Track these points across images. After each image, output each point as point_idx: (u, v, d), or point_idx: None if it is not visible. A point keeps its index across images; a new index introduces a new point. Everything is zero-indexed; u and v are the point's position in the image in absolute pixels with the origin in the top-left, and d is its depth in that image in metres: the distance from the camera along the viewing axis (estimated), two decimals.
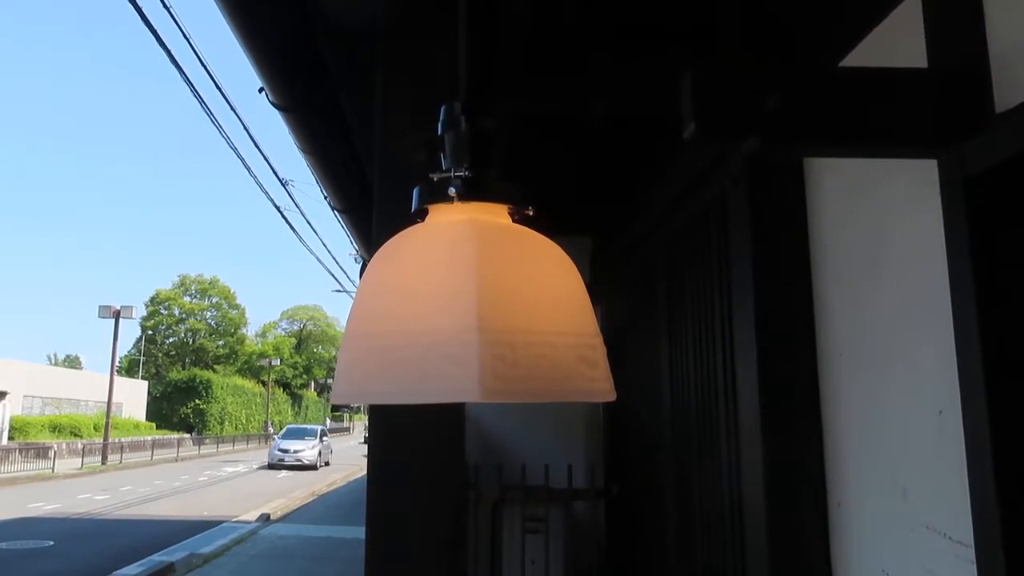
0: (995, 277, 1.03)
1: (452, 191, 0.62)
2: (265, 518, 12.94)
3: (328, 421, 60.58)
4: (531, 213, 0.64)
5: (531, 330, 0.56)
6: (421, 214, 0.64)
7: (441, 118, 0.65)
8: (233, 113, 8.07)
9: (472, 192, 0.62)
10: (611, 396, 0.60)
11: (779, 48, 1.12)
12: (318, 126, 2.07)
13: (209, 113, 8.40)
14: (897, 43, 1.35)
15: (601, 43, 1.78)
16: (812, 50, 1.47)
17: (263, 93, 1.89)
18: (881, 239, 1.49)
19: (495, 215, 0.64)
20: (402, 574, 1.47)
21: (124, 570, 8.44)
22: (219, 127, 8.73)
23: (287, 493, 16.62)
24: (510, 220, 0.64)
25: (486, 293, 0.55)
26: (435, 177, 0.63)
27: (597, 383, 0.59)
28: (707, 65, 1.13)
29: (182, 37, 6.73)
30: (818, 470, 1.70)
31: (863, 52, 1.44)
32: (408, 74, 1.67)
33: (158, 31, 6.13)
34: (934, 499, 1.31)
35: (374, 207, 1.51)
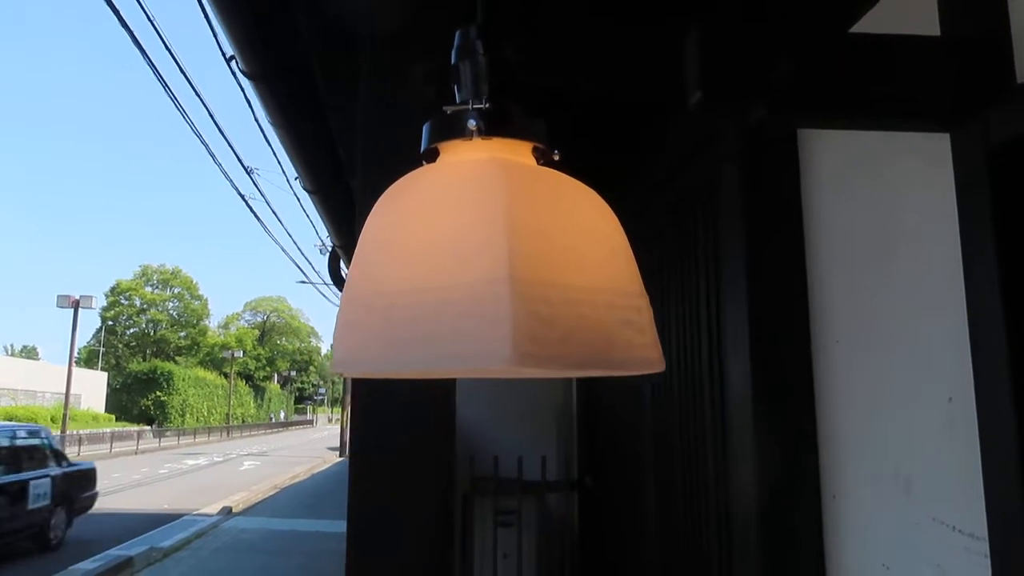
0: (1022, 252, 0.98)
1: (472, 124, 0.54)
2: (227, 511, 12.68)
3: (282, 413, 59.82)
4: (557, 157, 0.56)
5: (570, 285, 0.48)
6: (430, 155, 0.55)
7: (456, 43, 0.57)
8: (198, 98, 7.82)
9: (495, 127, 0.54)
10: (659, 366, 0.53)
11: (783, 14, 1.05)
12: (290, 97, 1.96)
13: (173, 98, 8.11)
14: (909, 10, 1.29)
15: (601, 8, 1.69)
16: (819, 18, 1.40)
17: (233, 62, 1.77)
18: (882, 220, 1.45)
19: (520, 155, 0.55)
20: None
21: (80, 565, 8.16)
22: (183, 112, 8.46)
23: (249, 486, 16.33)
24: (535, 162, 0.57)
25: (518, 239, 0.47)
26: (449, 110, 0.55)
27: (643, 351, 0.52)
28: (714, 23, 1.06)
29: (145, 19, 6.47)
30: (812, 460, 1.66)
31: (872, 20, 1.39)
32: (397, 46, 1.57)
33: (119, 10, 5.89)
34: (941, 491, 1.26)
35: (358, 178, 1.39)
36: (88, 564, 8.17)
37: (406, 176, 0.53)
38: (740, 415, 1.74)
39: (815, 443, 1.65)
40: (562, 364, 0.47)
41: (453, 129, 0.55)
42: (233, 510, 12.94)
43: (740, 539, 1.78)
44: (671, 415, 2.37)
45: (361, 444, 1.45)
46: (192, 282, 57.61)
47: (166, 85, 8.76)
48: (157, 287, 56.58)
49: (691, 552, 2.17)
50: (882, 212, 1.45)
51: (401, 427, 1.45)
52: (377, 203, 0.53)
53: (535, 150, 0.57)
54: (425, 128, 0.55)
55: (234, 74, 2.66)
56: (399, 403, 1.41)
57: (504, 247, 0.46)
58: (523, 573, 3.28)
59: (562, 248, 0.49)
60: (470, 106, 0.55)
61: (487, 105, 0.55)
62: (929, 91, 1.11)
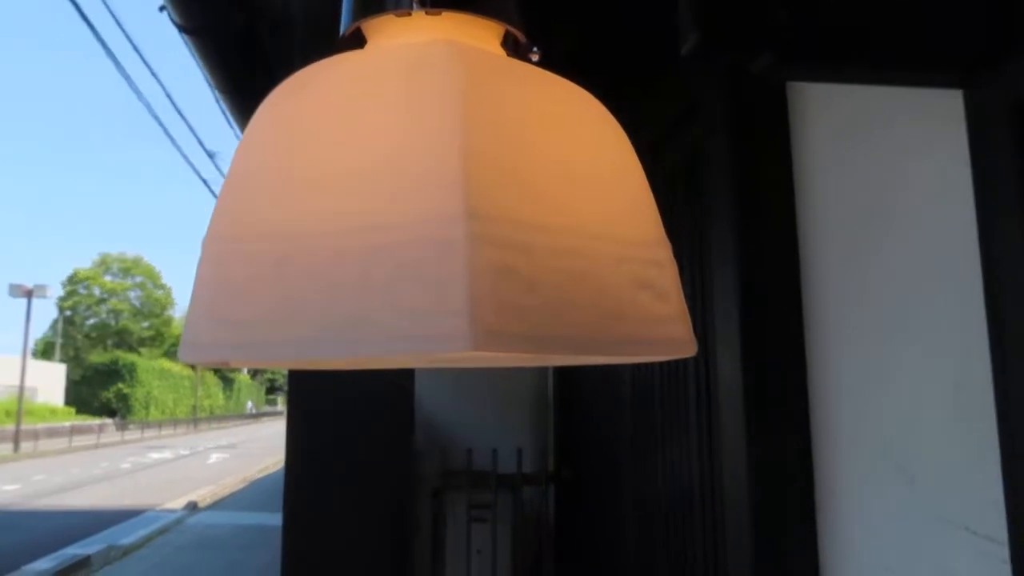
0: None
1: None
2: (192, 506, 12.38)
3: (250, 405, 59.11)
4: (537, 57, 0.39)
5: (559, 227, 0.32)
6: (352, 41, 0.38)
7: None
8: (155, 78, 7.46)
9: None
10: (689, 348, 0.37)
11: None
12: (234, 54, 1.75)
13: (128, 79, 7.74)
14: None
15: None
16: None
17: (164, 12, 1.56)
18: (882, 190, 1.33)
19: (482, 41, 0.39)
20: None
21: (33, 565, 7.85)
22: (138, 92, 8.08)
23: (217, 480, 15.99)
24: (504, 53, 0.40)
25: (480, 158, 0.30)
26: None
27: (667, 326, 0.36)
28: None
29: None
30: (804, 453, 1.54)
31: None
32: None
33: None
34: (950, 488, 1.15)
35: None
36: (42, 564, 7.86)
37: (311, 67, 0.36)
38: (728, 401, 1.63)
39: (808, 434, 1.54)
40: (546, 345, 0.31)
41: (384, 1, 0.38)
42: (199, 504, 12.64)
43: (726, 535, 1.67)
44: (654, 403, 2.24)
45: (295, 444, 1.27)
46: (154, 271, 56.32)
47: (118, 63, 8.37)
48: (117, 276, 55.20)
49: (672, 550, 2.06)
50: (880, 183, 1.33)
51: (347, 422, 1.27)
52: (263, 104, 0.36)
53: (506, 37, 0.40)
54: (344, 1, 0.38)
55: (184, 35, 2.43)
56: (347, 391, 1.23)
57: (457, 168, 0.30)
58: (497, 570, 3.16)
59: (546, 173, 0.33)
60: None
61: None
62: (952, 38, 0.99)
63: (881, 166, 1.31)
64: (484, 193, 0.30)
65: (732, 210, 1.60)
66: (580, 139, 0.36)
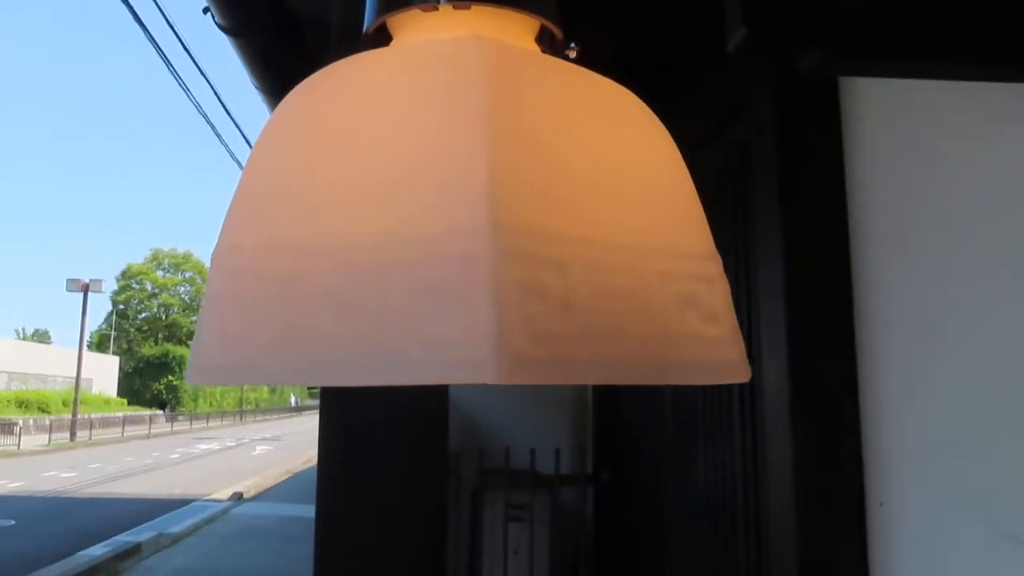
0: None
1: None
2: (238, 496, 12.67)
3: (294, 399, 60.16)
4: (574, 54, 0.37)
5: (597, 240, 0.29)
6: (376, 39, 0.36)
7: None
8: (203, 78, 7.64)
9: None
10: (743, 373, 0.34)
11: None
12: (276, 55, 1.76)
13: (178, 78, 7.94)
14: None
15: None
16: None
17: (208, 14, 1.58)
18: (944, 188, 1.26)
19: (514, 36, 0.36)
20: None
21: (89, 550, 8.14)
22: (187, 90, 8.29)
23: (261, 471, 16.34)
24: (538, 50, 0.37)
25: (508, 166, 0.28)
26: None
27: (716, 349, 0.33)
28: None
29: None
30: (854, 461, 1.48)
31: None
32: None
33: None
34: (1014, 502, 1.09)
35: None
36: (96, 550, 8.14)
37: (329, 67, 0.34)
38: (774, 405, 1.57)
39: (859, 441, 1.48)
40: (582, 374, 0.29)
41: None
42: (244, 495, 12.92)
43: (770, 545, 1.61)
44: (695, 405, 2.19)
45: (329, 447, 1.26)
46: (204, 266, 57.78)
47: (169, 62, 8.58)
48: (168, 271, 56.84)
49: (713, 558, 2.01)
50: (942, 181, 1.27)
51: (380, 423, 1.26)
52: (278, 107, 0.34)
53: (540, 32, 0.37)
54: None
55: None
56: (379, 389, 1.22)
57: (483, 177, 0.27)
58: (535, 570, 3.13)
59: (583, 181, 0.30)
60: None
61: None
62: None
63: (944, 163, 1.24)
64: (513, 204, 0.27)
65: (779, 210, 1.55)
66: (621, 143, 0.33)
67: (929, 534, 1.27)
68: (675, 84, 2.13)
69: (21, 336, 59.09)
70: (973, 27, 0.93)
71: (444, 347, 0.26)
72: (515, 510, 3.18)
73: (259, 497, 13.18)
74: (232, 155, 9.83)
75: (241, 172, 0.33)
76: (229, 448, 23.66)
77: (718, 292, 0.34)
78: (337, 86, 0.33)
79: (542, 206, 0.27)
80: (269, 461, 18.95)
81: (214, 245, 0.32)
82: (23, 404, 28.53)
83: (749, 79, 1.63)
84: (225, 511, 11.32)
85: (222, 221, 0.33)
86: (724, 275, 0.35)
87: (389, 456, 1.29)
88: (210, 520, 10.49)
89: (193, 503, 11.87)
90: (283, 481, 15.49)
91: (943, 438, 1.25)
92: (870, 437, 1.44)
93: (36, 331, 64.85)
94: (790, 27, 0.94)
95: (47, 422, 24.78)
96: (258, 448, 23.39)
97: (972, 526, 1.17)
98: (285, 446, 24.22)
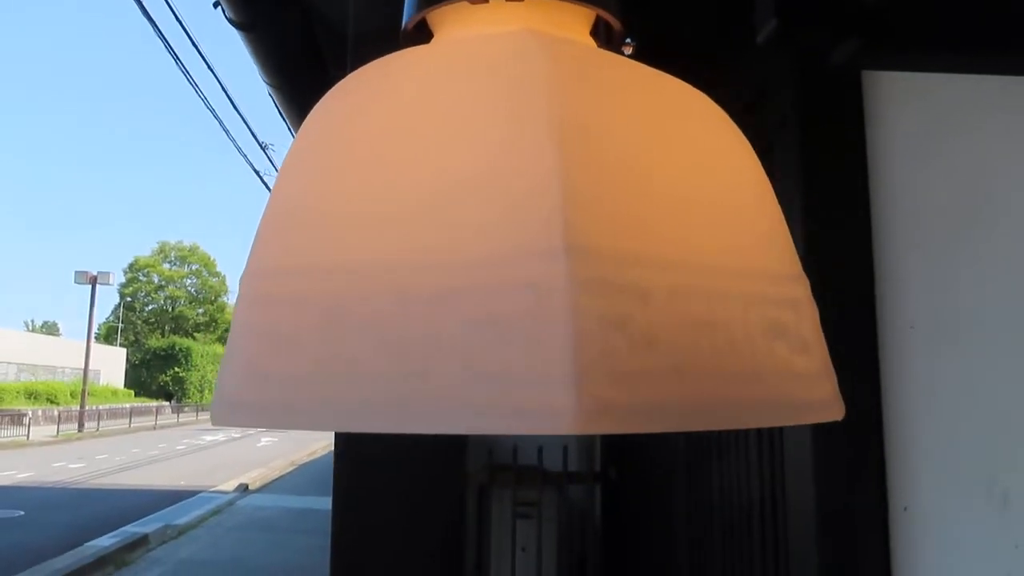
0: None
1: None
2: (243, 488, 12.70)
3: None
4: (631, 50, 0.34)
5: (679, 263, 0.26)
6: (417, 35, 0.33)
7: None
8: (211, 73, 7.61)
9: None
10: (836, 411, 0.31)
11: None
12: (287, 51, 1.73)
13: (185, 72, 7.91)
14: None
15: None
16: None
17: (218, 8, 1.55)
18: (975, 183, 1.22)
19: (569, 30, 0.32)
20: None
21: (96, 541, 8.17)
22: (195, 86, 8.27)
23: (267, 463, 16.39)
24: (594, 45, 0.34)
25: (582, 179, 0.24)
26: None
27: (808, 385, 0.29)
28: None
29: None
30: (876, 463, 1.44)
31: None
32: None
33: None
34: None
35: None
36: (103, 541, 8.18)
37: (370, 65, 0.30)
38: None
39: (881, 443, 1.45)
40: (667, 420, 0.24)
41: None
42: (250, 487, 12.96)
43: (790, 547, 1.58)
44: None
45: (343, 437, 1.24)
46: (210, 259, 57.92)
47: (177, 58, 8.56)
48: (175, 264, 56.98)
49: (729, 559, 1.98)
50: (971, 175, 1.23)
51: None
52: (313, 111, 0.30)
53: (596, 26, 0.34)
54: None
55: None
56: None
57: (555, 191, 0.23)
58: (542, 567, 3.11)
59: (661, 193, 0.26)
60: None
61: None
62: None
63: (975, 158, 1.21)
64: (589, 222, 0.23)
65: (800, 202, 1.51)
66: (700, 151, 0.29)
67: (956, 540, 1.23)
68: (695, 72, 2.09)
69: (30, 328, 59.40)
70: (1010, 18, 0.89)
71: (509, 390, 0.22)
72: (523, 507, 3.16)
73: (264, 489, 13.22)
74: (239, 149, 9.80)
75: (270, 189, 0.30)
76: (235, 440, 23.74)
77: (806, 318, 0.30)
78: (379, 88, 0.29)
79: (621, 224, 0.24)
80: (274, 453, 19.01)
81: (243, 267, 0.29)
82: (32, 395, 28.69)
83: (770, 71, 1.59)
84: (231, 502, 11.36)
85: (250, 241, 0.29)
86: (812, 298, 0.32)
87: (406, 452, 1.27)
88: (216, 511, 10.53)
89: (199, 494, 11.91)
90: (288, 473, 15.52)
91: (969, 440, 1.22)
92: (893, 441, 1.41)
93: (45, 323, 65.18)
94: (823, 18, 0.90)
95: (56, 413, 24.91)
96: (263, 440, 23.46)
97: (999, 531, 1.14)
98: (289, 437, 24.28)
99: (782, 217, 0.33)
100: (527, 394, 0.22)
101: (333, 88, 0.31)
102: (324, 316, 0.25)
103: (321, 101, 0.31)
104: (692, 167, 0.28)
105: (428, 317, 0.23)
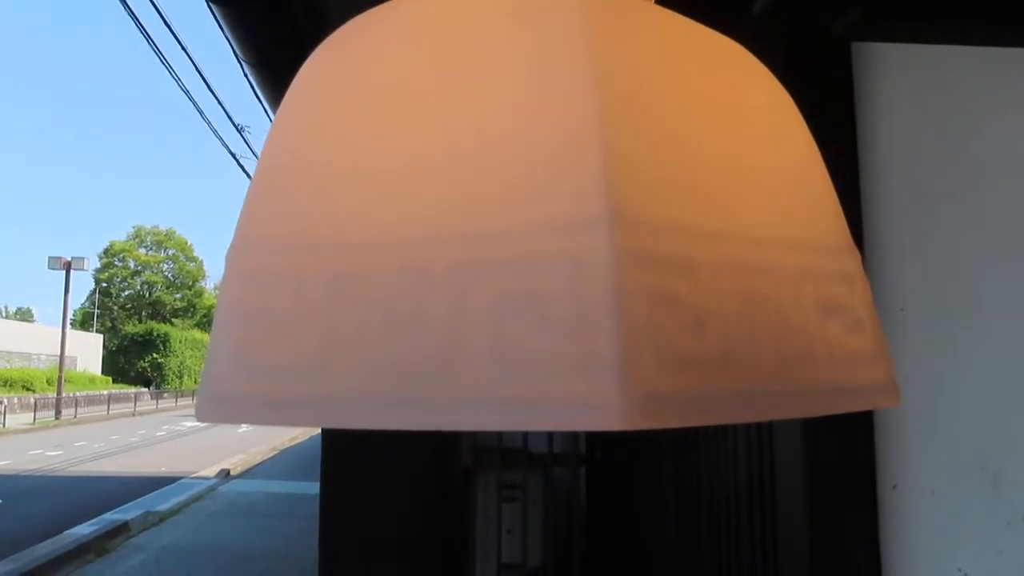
0: None
1: None
2: (224, 474, 12.63)
3: None
4: None
5: (727, 233, 0.23)
6: None
7: None
8: (184, 53, 7.44)
9: None
10: (893, 397, 0.29)
11: None
12: (265, 25, 1.67)
13: (158, 52, 7.73)
14: None
15: None
16: None
17: None
18: (962, 154, 1.21)
19: None
20: None
21: (75, 529, 8.08)
22: (168, 66, 8.08)
23: (247, 448, 16.29)
24: None
25: (623, 142, 0.21)
26: None
27: (863, 367, 0.27)
28: None
29: None
30: (864, 444, 1.45)
31: None
32: None
33: None
34: None
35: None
36: (83, 528, 8.09)
37: (371, 12, 0.27)
38: None
39: (870, 424, 1.45)
40: (720, 411, 0.21)
41: None
42: (231, 473, 12.88)
43: (777, 529, 1.59)
44: None
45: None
46: (187, 244, 57.14)
47: (149, 37, 8.35)
48: (151, 249, 56.16)
49: (718, 540, 1.98)
50: (962, 145, 1.22)
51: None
52: (304, 66, 0.26)
53: None
54: None
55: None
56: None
57: (594, 154, 0.20)
58: (528, 549, 3.12)
59: (708, 158, 0.24)
60: None
61: None
62: None
63: (960, 137, 1.19)
64: (633, 188, 0.20)
65: None
66: (748, 113, 0.26)
67: (946, 520, 1.24)
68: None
69: (4, 315, 58.38)
70: None
71: (545, 380, 0.19)
72: (508, 490, 3.16)
73: (246, 474, 13.15)
74: (214, 131, 9.61)
75: (247, 172, 0.27)
76: (215, 425, 23.58)
77: (859, 294, 0.28)
78: (386, 34, 0.25)
79: (666, 190, 0.21)
80: (255, 438, 18.89)
81: (229, 242, 0.25)
82: (7, 383, 28.22)
83: (760, 45, 1.57)
84: (212, 488, 11.29)
85: (239, 211, 0.25)
86: (864, 273, 0.29)
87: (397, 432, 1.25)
88: (197, 497, 10.46)
89: (180, 480, 11.82)
90: (269, 458, 15.45)
91: (960, 419, 1.22)
92: (882, 418, 1.41)
93: (19, 309, 64.10)
94: None
95: (32, 400, 24.54)
96: (244, 425, 23.33)
97: (990, 509, 1.14)
98: None
99: (830, 182, 0.30)
100: (566, 385, 0.19)
101: (331, 35, 0.27)
102: (324, 295, 0.22)
103: (318, 49, 0.27)
104: (737, 128, 0.26)
105: (449, 296, 0.20)
